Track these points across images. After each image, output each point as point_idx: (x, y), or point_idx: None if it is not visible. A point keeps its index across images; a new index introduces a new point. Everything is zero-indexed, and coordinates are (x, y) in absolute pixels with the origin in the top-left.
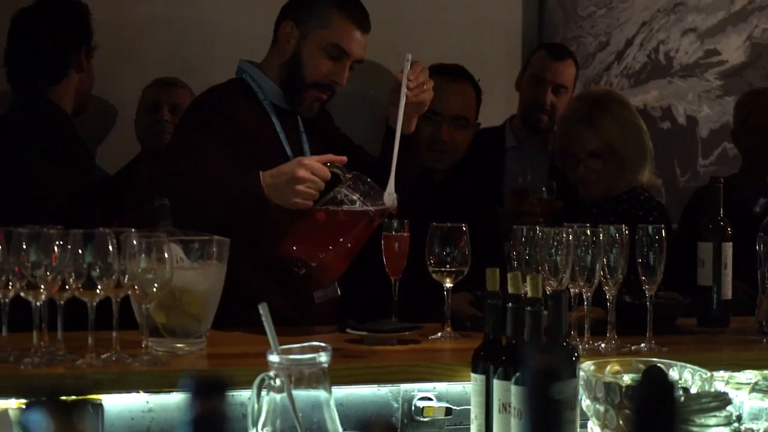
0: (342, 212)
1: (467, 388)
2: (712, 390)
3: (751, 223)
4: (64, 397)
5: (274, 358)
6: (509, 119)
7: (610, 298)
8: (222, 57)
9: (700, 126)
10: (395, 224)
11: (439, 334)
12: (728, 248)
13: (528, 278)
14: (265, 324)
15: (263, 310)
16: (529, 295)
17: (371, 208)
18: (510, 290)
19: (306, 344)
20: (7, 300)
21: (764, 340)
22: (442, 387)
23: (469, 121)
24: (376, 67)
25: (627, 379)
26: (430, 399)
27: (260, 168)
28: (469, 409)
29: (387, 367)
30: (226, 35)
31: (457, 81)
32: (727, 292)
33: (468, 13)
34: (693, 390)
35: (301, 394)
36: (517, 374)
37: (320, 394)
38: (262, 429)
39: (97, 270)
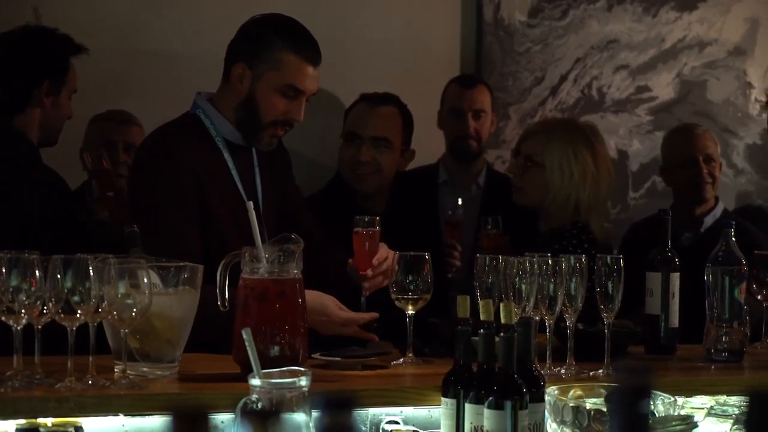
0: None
1: (433, 411)
2: (677, 414)
3: (680, 256)
4: (43, 420)
5: (256, 381)
6: (441, 157)
7: (570, 325)
8: (168, 87)
9: (631, 160)
10: (366, 219)
11: (401, 360)
12: (676, 278)
13: (501, 306)
14: (248, 348)
15: (246, 335)
16: (503, 321)
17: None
18: (482, 317)
19: (285, 369)
20: None
21: (712, 367)
22: (409, 411)
23: (390, 142)
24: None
25: (589, 403)
26: (397, 423)
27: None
28: None
29: (360, 391)
30: (175, 66)
31: (381, 105)
32: (674, 321)
33: (408, 47)
34: (657, 414)
35: (282, 418)
36: (490, 398)
37: (300, 417)
38: None
39: (77, 295)
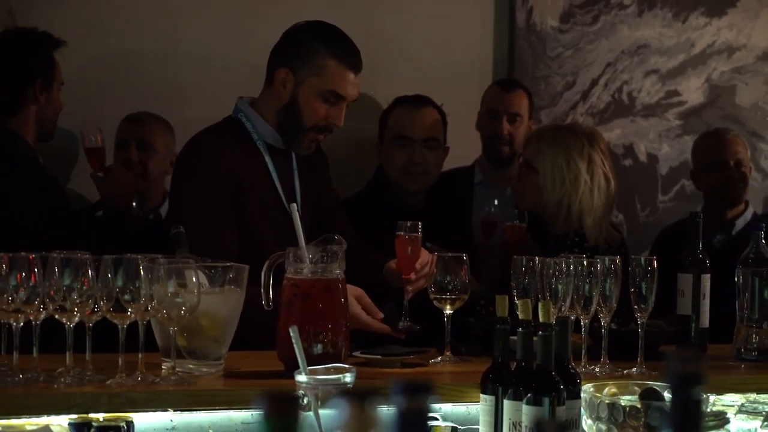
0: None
1: (471, 408)
2: (709, 410)
3: (711, 258)
4: (95, 415)
5: (302, 378)
6: (478, 158)
7: (605, 324)
8: (198, 89)
9: (660, 163)
10: (408, 224)
11: (439, 358)
12: (706, 279)
13: (540, 305)
14: (295, 346)
15: (294, 333)
16: (541, 320)
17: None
18: (520, 316)
19: (330, 366)
20: (38, 322)
21: (742, 366)
22: (447, 408)
23: (438, 141)
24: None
25: (624, 400)
26: (436, 419)
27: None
28: (473, 428)
29: None
30: (204, 68)
31: (423, 106)
32: (705, 321)
33: (441, 53)
34: None
35: (327, 413)
36: (529, 395)
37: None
38: None
39: (128, 294)
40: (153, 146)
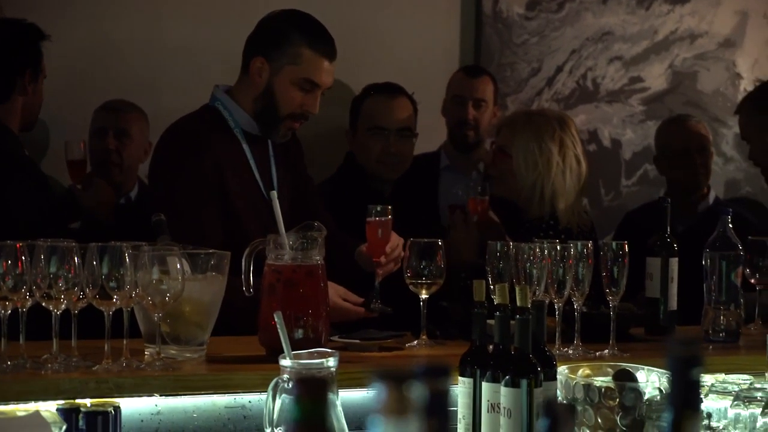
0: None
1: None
2: None
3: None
4: (82, 401)
5: (286, 362)
6: (443, 144)
7: (578, 308)
8: (174, 78)
9: (624, 148)
10: (378, 209)
11: (416, 342)
12: (675, 263)
13: (517, 289)
14: (279, 331)
15: (278, 318)
16: (519, 304)
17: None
18: (497, 300)
19: (314, 350)
20: (25, 310)
21: (710, 347)
22: None
23: (411, 131)
24: None
25: (598, 381)
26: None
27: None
28: (452, 410)
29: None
30: (179, 56)
31: (396, 96)
32: (673, 304)
33: (409, 41)
34: (664, 391)
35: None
36: (507, 377)
37: (330, 396)
38: (276, 429)
39: (113, 281)
40: (130, 134)
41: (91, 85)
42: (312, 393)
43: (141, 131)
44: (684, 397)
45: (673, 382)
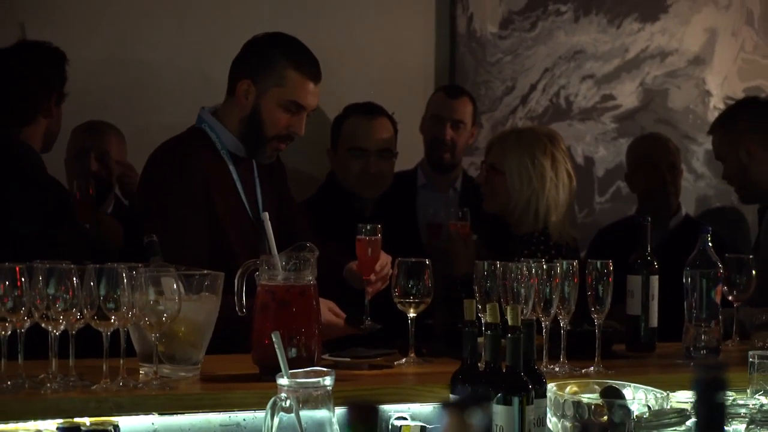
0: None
1: (438, 408)
2: (670, 407)
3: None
4: (81, 420)
5: (284, 381)
6: (420, 162)
7: (564, 326)
8: (152, 97)
9: (597, 166)
10: (368, 227)
11: (404, 359)
12: (655, 281)
13: (509, 308)
14: (277, 351)
15: (276, 338)
16: (510, 323)
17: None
18: (488, 319)
19: (310, 369)
20: (23, 330)
21: (691, 364)
22: (416, 407)
23: (392, 151)
24: None
25: (585, 398)
26: (405, 419)
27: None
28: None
29: (375, 389)
30: (157, 75)
31: (376, 117)
32: (654, 321)
33: (385, 60)
34: (651, 407)
35: (307, 414)
36: (499, 395)
37: (324, 413)
38: None
39: (111, 302)
40: (110, 155)
41: (68, 104)
42: (363, 418)
43: (119, 151)
44: (709, 419)
45: (699, 404)
